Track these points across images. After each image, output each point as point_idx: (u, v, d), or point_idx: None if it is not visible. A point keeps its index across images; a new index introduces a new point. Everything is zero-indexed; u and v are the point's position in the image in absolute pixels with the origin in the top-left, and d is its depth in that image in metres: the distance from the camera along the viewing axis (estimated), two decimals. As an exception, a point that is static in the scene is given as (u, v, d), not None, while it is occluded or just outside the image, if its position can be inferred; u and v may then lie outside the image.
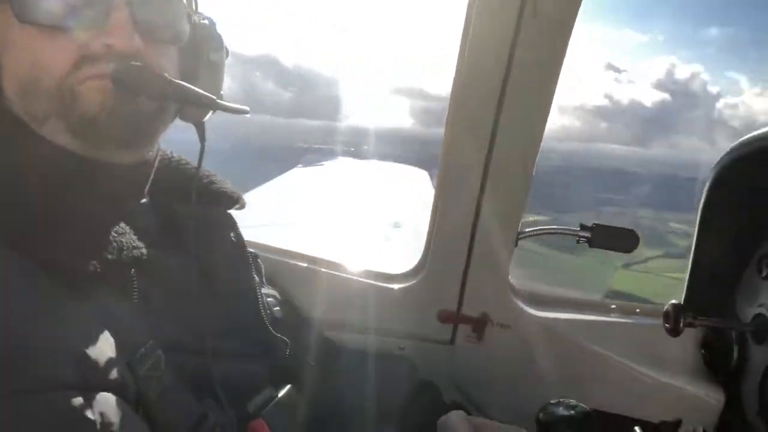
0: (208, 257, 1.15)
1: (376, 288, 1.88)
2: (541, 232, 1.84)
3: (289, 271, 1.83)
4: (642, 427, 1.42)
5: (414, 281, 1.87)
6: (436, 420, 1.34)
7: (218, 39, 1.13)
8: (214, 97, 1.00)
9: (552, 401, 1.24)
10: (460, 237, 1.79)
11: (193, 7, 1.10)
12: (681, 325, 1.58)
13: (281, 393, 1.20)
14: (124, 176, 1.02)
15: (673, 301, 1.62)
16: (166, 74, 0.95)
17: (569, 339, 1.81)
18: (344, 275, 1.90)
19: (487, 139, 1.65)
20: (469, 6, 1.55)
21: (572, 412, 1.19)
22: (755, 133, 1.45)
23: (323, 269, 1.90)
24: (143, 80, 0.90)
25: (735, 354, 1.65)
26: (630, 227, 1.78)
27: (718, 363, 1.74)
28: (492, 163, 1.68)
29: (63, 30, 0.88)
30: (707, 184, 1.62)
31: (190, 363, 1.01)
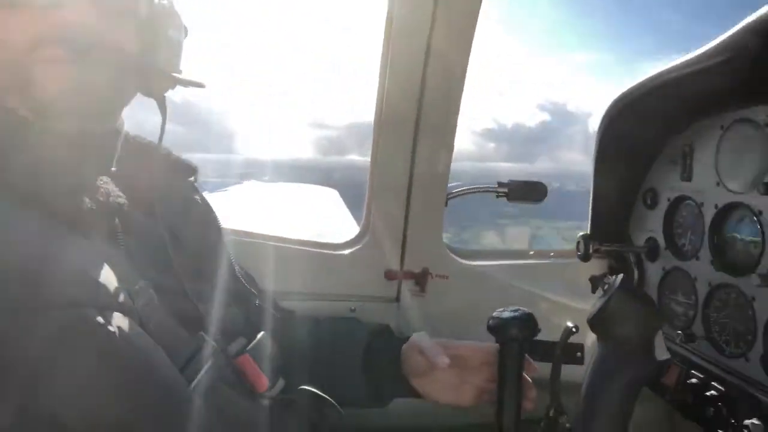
0: (176, 219, 1.23)
1: (325, 256, 2.04)
2: (467, 191, 2.09)
3: (241, 245, 1.90)
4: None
5: (359, 246, 2.06)
6: (398, 354, 1.51)
7: (177, 17, 1.19)
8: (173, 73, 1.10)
9: (496, 311, 1.39)
10: (396, 202, 2.01)
11: None
12: (590, 251, 1.89)
13: (258, 336, 1.27)
14: (95, 143, 1.09)
15: (581, 233, 1.93)
16: (124, 48, 1.02)
17: (499, 281, 2.08)
18: (294, 247, 2.04)
19: (414, 113, 1.89)
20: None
21: (516, 313, 1.36)
22: (635, 84, 1.77)
23: (272, 243, 2.02)
24: (100, 55, 0.97)
25: (636, 273, 1.99)
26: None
27: (623, 283, 2.07)
28: (419, 135, 1.91)
29: (19, 7, 0.91)
30: (598, 132, 1.94)
31: (178, 303, 1.10)
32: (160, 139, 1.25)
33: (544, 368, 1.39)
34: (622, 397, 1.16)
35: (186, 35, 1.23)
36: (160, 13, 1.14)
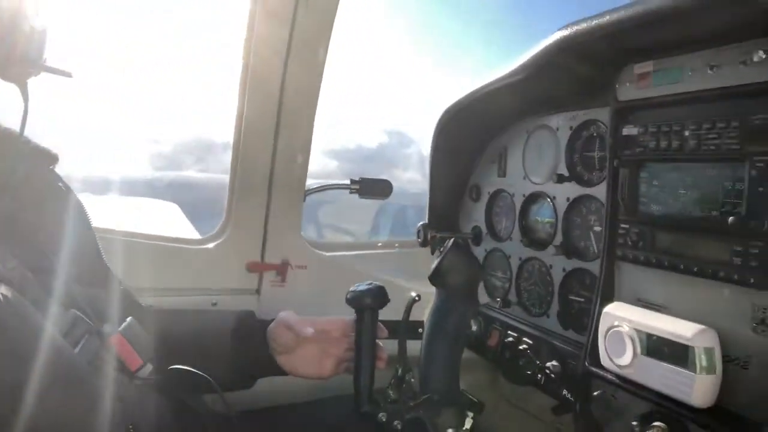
0: (40, 204, 1.28)
1: (185, 251, 2.11)
2: (323, 188, 2.31)
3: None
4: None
5: (220, 240, 2.17)
6: (264, 335, 1.65)
7: (37, 6, 1.23)
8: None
9: (353, 286, 1.59)
10: (258, 198, 2.15)
11: None
12: (428, 237, 2.20)
13: (128, 320, 1.35)
14: None
15: (421, 223, 2.23)
16: None
17: (352, 269, 2.31)
18: (153, 242, 2.09)
19: (274, 115, 2.06)
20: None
21: (370, 285, 1.57)
22: (461, 96, 2.11)
23: (130, 239, 2.04)
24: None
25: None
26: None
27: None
28: (279, 135, 2.09)
29: None
30: (432, 138, 2.26)
31: (51, 282, 1.16)
32: (22, 126, 1.28)
33: (392, 345, 1.60)
34: (454, 337, 1.43)
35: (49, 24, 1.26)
36: (27, 3, 1.19)
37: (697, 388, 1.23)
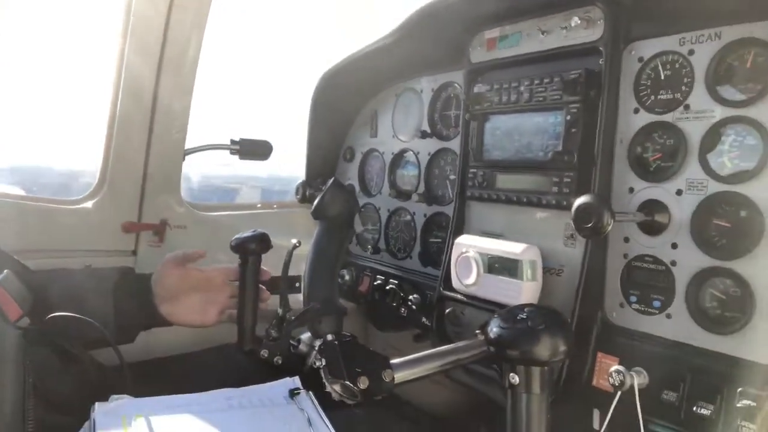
0: None
1: (56, 211, 2.04)
2: (202, 148, 2.34)
3: None
4: None
5: (95, 200, 2.10)
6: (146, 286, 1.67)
7: None
8: None
9: (237, 234, 1.70)
10: (135, 156, 2.12)
11: None
12: (306, 193, 2.34)
13: (4, 272, 1.37)
14: None
15: (300, 180, 2.37)
16: None
17: (232, 228, 2.34)
18: (24, 202, 2.00)
19: (153, 76, 2.06)
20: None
21: (253, 233, 1.69)
22: (330, 66, 2.27)
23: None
24: None
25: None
26: None
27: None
28: (158, 94, 2.09)
29: None
30: (311, 102, 2.40)
31: None
32: None
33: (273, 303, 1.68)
34: (334, 258, 1.58)
35: None
36: None
37: (524, 293, 1.49)
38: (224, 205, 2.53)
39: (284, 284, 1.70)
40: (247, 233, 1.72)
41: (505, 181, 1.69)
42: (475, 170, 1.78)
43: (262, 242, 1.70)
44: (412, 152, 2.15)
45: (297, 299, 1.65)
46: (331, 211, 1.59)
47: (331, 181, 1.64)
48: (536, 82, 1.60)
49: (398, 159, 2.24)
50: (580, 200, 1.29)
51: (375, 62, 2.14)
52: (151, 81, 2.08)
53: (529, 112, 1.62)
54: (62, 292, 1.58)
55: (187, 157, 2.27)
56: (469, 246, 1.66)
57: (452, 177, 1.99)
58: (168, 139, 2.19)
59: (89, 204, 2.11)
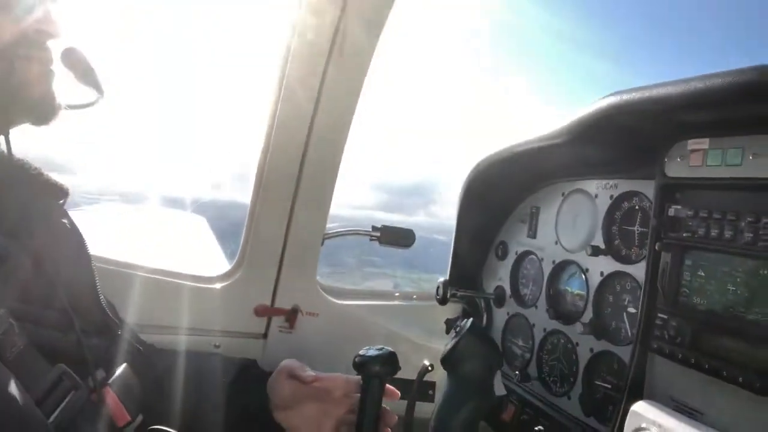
0: (41, 243, 1.19)
1: (195, 289, 2.01)
2: (343, 233, 2.20)
3: (106, 273, 1.83)
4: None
5: (231, 281, 2.06)
6: (264, 387, 1.55)
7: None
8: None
9: (363, 349, 1.48)
10: (275, 239, 2.05)
11: None
12: (447, 295, 2.08)
13: (120, 369, 1.30)
14: None
15: (442, 279, 2.11)
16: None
17: (366, 320, 2.19)
18: (162, 278, 1.98)
19: (298, 159, 1.96)
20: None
21: (380, 351, 1.46)
22: (493, 152, 2.01)
23: (140, 273, 1.94)
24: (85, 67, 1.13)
25: (485, 317, 2.20)
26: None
27: (474, 327, 2.27)
28: (303, 175, 1.99)
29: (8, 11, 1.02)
30: (460, 195, 2.16)
31: (39, 332, 1.09)
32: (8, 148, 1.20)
33: (399, 406, 1.50)
34: (465, 426, 1.30)
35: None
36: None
37: None
38: (359, 292, 2.35)
39: (411, 408, 1.48)
40: (373, 350, 1.49)
41: (709, 342, 1.28)
42: (665, 317, 1.39)
43: (389, 363, 1.46)
44: (578, 267, 1.79)
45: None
46: (466, 366, 1.31)
47: (467, 323, 1.35)
48: (765, 220, 1.19)
49: (560, 271, 1.89)
50: None
51: (541, 158, 1.83)
52: (296, 165, 1.99)
53: (752, 258, 1.21)
54: (181, 379, 1.55)
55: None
56: (651, 422, 1.27)
57: (631, 311, 1.60)
58: (308, 223, 2.09)
59: (225, 284, 2.07)
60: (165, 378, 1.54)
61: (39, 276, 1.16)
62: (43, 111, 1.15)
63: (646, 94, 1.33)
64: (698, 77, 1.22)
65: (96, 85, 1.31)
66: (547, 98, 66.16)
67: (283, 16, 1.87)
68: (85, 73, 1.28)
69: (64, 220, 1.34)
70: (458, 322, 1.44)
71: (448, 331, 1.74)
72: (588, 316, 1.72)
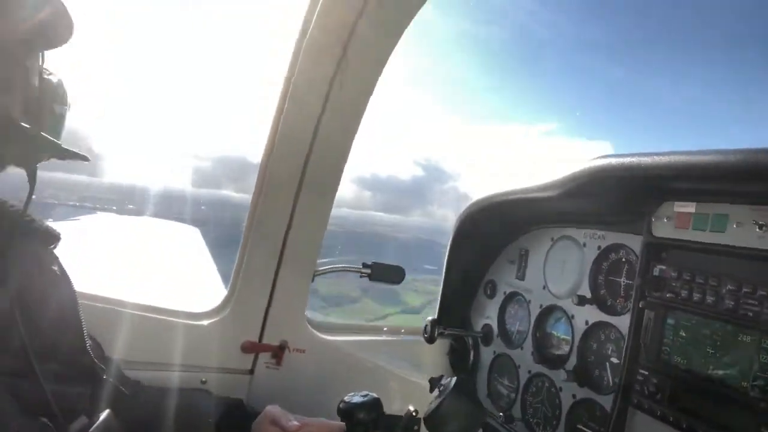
0: (29, 291, 1.20)
1: (182, 326, 1.98)
2: (332, 270, 2.21)
3: (92, 310, 1.72)
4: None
5: (218, 317, 2.04)
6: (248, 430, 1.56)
7: (63, 91, 1.24)
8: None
9: (347, 395, 1.50)
10: (264, 276, 2.04)
11: (41, 63, 1.20)
12: (435, 334, 2.11)
13: (102, 416, 1.29)
14: None
15: (430, 317, 2.14)
16: (11, 116, 1.08)
17: (353, 356, 2.19)
18: (151, 315, 1.96)
19: (292, 194, 1.97)
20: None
21: (365, 398, 1.48)
22: (483, 195, 2.05)
23: (128, 310, 1.93)
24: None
25: (471, 356, 2.23)
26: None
27: (459, 365, 2.29)
28: (296, 211, 1.99)
29: None
30: (452, 232, 2.19)
31: (21, 385, 1.10)
32: (26, 207, 1.22)
33: None
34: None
35: (69, 109, 1.27)
36: (48, 88, 1.20)
37: None
38: (347, 327, 2.36)
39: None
40: (358, 397, 1.51)
41: (688, 401, 1.33)
42: (646, 373, 1.43)
43: (374, 410, 1.49)
44: (565, 313, 1.83)
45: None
46: (449, 428, 1.33)
47: (451, 383, 1.37)
48: (746, 289, 1.24)
49: (547, 315, 1.93)
50: None
51: (530, 205, 1.88)
52: (290, 199, 1.99)
53: (732, 324, 1.26)
54: (168, 415, 1.58)
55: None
56: (632, 480, 1.31)
57: (614, 360, 1.64)
58: (299, 260, 2.09)
59: (213, 320, 2.05)
60: (151, 417, 1.55)
61: (26, 324, 1.15)
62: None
63: (636, 161, 1.38)
64: (685, 152, 1.27)
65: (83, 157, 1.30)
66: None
67: (296, 14, 1.82)
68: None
69: (54, 267, 1.34)
70: (442, 381, 1.46)
71: (432, 390, 1.72)
72: (572, 362, 1.75)
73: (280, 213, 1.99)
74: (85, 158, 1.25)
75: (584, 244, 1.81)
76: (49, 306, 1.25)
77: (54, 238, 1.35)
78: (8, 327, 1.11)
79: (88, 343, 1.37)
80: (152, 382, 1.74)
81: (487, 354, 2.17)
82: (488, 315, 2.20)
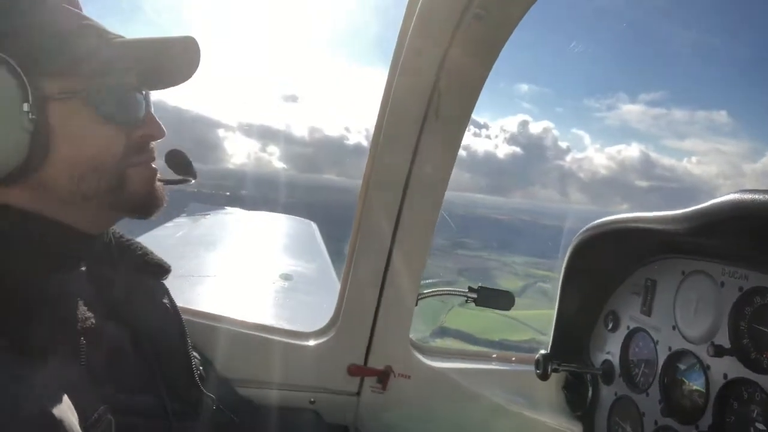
0: (142, 323, 1.24)
1: (291, 346, 2.03)
2: (437, 293, 2.13)
3: (206, 331, 1.91)
4: None
5: (325, 338, 2.06)
6: None
7: None
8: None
9: None
10: (368, 299, 2.02)
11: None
12: (549, 371, 1.94)
13: None
14: (96, 246, 1.20)
15: (543, 351, 1.98)
16: None
17: (460, 386, 2.10)
18: (259, 335, 2.02)
19: (394, 215, 1.92)
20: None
21: None
22: (605, 219, 1.84)
23: (239, 329, 2.01)
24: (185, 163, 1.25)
25: (590, 393, 2.03)
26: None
27: (576, 401, 2.10)
28: (398, 235, 1.94)
29: (117, 123, 1.11)
30: (567, 255, 2.00)
31: (138, 424, 1.13)
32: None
33: None
34: None
35: None
36: None
37: None
38: (452, 352, 2.26)
39: None
40: None
41: None
42: (802, 454, 1.18)
43: None
44: (699, 361, 1.59)
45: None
46: None
47: None
48: None
49: (677, 359, 1.69)
50: None
51: (659, 236, 1.65)
52: (391, 224, 1.95)
53: None
54: None
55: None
56: None
57: (760, 427, 1.39)
58: (402, 283, 2.04)
59: (319, 341, 2.08)
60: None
61: (138, 356, 1.20)
62: (147, 207, 1.20)
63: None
64: None
65: (193, 175, 1.34)
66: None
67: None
68: (186, 170, 1.33)
69: (165, 300, 1.38)
70: None
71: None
72: (707, 420, 1.52)
73: (381, 239, 1.96)
74: (190, 178, 1.32)
75: (722, 284, 1.55)
76: (159, 341, 1.28)
77: (165, 270, 1.39)
78: (124, 363, 1.15)
79: (197, 372, 1.39)
80: (261, 400, 1.84)
81: (607, 393, 1.96)
82: (609, 350, 1.99)
